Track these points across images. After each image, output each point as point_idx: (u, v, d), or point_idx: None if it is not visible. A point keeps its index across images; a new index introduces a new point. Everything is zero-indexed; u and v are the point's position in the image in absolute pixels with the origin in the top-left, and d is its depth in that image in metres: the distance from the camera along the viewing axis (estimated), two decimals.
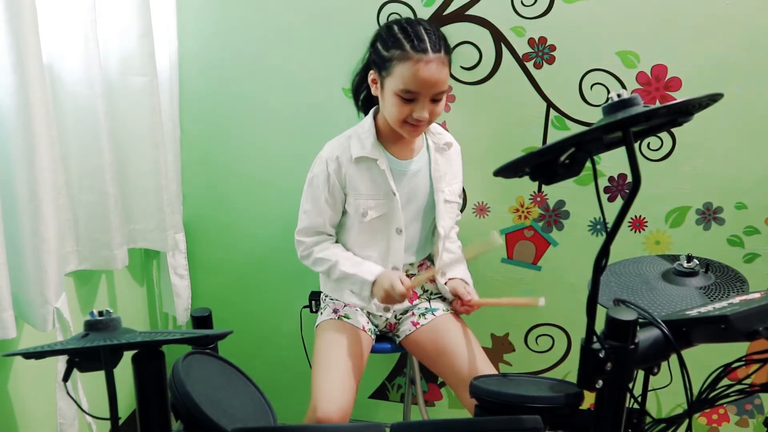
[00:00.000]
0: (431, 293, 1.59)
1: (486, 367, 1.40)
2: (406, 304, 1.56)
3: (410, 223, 1.50)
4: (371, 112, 1.48)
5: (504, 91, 1.65)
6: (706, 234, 1.70)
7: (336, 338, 1.46)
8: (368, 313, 1.56)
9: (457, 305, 1.50)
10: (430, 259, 1.59)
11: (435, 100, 1.36)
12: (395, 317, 1.57)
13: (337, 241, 1.55)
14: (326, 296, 1.62)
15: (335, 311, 1.54)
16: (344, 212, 1.50)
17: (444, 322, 1.51)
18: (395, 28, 1.36)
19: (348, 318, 1.52)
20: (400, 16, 1.60)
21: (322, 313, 1.58)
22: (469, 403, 1.40)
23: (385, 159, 1.44)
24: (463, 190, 1.68)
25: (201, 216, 1.89)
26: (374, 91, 1.42)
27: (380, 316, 1.56)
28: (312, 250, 1.51)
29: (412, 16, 1.59)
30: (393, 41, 1.34)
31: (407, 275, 1.54)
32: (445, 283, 1.54)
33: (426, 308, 1.56)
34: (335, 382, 1.35)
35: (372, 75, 1.41)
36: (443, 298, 1.60)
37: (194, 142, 1.82)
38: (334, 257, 1.47)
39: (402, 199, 1.46)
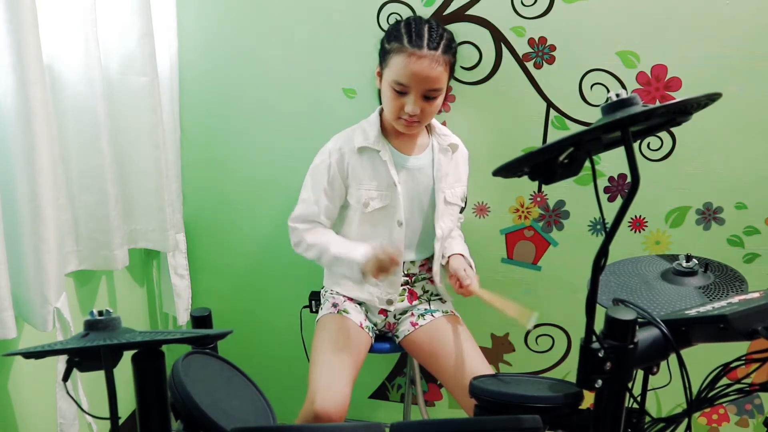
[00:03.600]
0: (431, 294, 1.59)
1: (484, 370, 1.40)
2: (406, 303, 1.56)
3: (412, 220, 1.50)
4: (378, 107, 1.50)
5: (504, 91, 1.66)
6: (706, 234, 1.70)
7: (334, 332, 1.47)
8: (366, 311, 1.56)
9: (456, 285, 1.44)
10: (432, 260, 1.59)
11: (429, 98, 1.38)
12: (394, 317, 1.58)
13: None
14: (326, 291, 1.62)
15: (334, 305, 1.54)
16: (347, 205, 1.51)
17: (443, 323, 1.51)
18: (402, 23, 1.41)
19: (347, 312, 1.52)
20: (400, 16, 1.60)
21: (321, 308, 1.59)
22: (467, 405, 1.41)
23: (387, 151, 1.46)
24: None
25: (201, 216, 1.90)
26: (378, 84, 1.46)
27: (379, 314, 1.56)
28: (303, 236, 1.50)
29: (426, 18, 1.59)
30: (395, 35, 1.38)
31: (407, 274, 1.55)
32: (446, 263, 1.51)
33: (425, 309, 1.56)
34: (333, 374, 1.35)
35: (377, 68, 1.45)
36: (443, 300, 1.60)
37: (194, 142, 1.82)
38: (325, 241, 1.46)
39: (403, 193, 1.47)
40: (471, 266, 1.52)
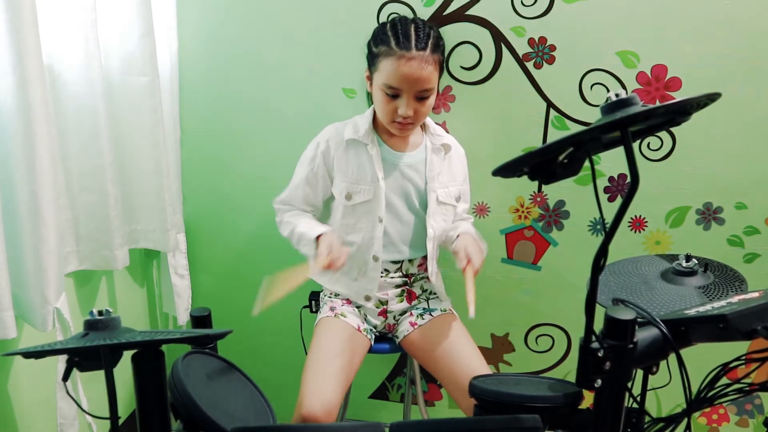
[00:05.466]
0: (429, 293, 1.59)
1: (482, 370, 1.40)
2: (405, 304, 1.56)
3: (402, 217, 1.50)
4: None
5: (504, 91, 1.66)
6: (706, 234, 1.70)
7: (329, 336, 1.47)
8: (365, 315, 1.57)
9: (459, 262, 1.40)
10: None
11: (421, 98, 1.38)
12: (394, 318, 1.58)
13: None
14: (325, 295, 1.62)
15: (332, 309, 1.54)
16: (332, 197, 1.53)
17: (441, 323, 1.51)
18: (388, 26, 1.41)
19: (344, 316, 1.52)
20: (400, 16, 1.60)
21: (320, 312, 1.59)
22: (465, 405, 1.41)
23: (376, 146, 1.47)
24: None
25: (201, 216, 1.90)
26: (368, 87, 1.46)
27: (379, 315, 1.56)
28: (282, 215, 1.56)
29: (412, 17, 1.60)
30: (382, 38, 1.38)
31: (406, 274, 1.55)
32: (456, 238, 1.48)
33: (424, 309, 1.56)
34: (323, 379, 1.35)
35: (366, 72, 1.46)
36: (441, 299, 1.60)
37: (194, 142, 1.82)
38: (296, 220, 1.50)
39: (392, 189, 1.48)
40: (479, 244, 1.45)
